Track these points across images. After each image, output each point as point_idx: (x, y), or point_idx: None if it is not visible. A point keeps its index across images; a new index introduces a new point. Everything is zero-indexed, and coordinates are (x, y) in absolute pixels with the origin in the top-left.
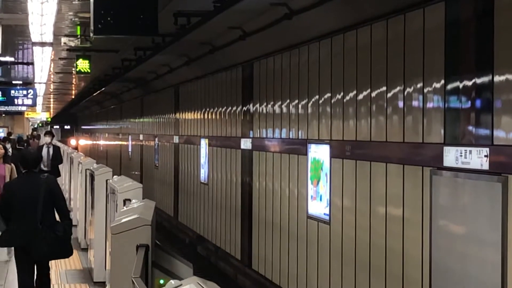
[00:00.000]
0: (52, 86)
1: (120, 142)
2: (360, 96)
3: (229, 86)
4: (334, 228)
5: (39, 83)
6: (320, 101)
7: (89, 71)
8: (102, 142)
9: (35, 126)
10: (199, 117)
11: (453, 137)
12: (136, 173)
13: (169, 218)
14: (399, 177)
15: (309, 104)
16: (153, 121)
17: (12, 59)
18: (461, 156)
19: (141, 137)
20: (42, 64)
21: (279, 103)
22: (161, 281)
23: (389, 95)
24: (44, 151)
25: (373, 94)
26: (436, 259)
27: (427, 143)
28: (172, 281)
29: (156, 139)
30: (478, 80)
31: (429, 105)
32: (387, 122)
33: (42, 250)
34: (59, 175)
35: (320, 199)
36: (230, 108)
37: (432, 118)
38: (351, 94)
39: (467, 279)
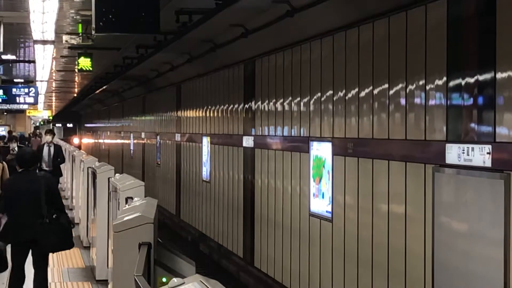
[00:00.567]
0: (53, 84)
1: (122, 141)
2: (362, 94)
3: (231, 83)
4: (336, 226)
5: (41, 81)
6: (322, 99)
7: (90, 69)
8: (104, 141)
9: (37, 124)
10: (201, 115)
11: (456, 134)
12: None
13: (171, 216)
14: (401, 174)
15: (311, 102)
16: (155, 119)
17: (13, 57)
18: (463, 153)
19: (143, 135)
20: (44, 62)
21: (281, 100)
22: (164, 279)
23: (391, 92)
24: (45, 150)
25: (375, 92)
26: (439, 257)
27: (430, 141)
28: (175, 279)
29: (158, 137)
30: (481, 77)
31: (431, 102)
32: (389, 120)
33: (51, 241)
34: (61, 174)
35: (322, 197)
36: (232, 106)
37: (434, 115)
38: (353, 92)
39: (470, 276)
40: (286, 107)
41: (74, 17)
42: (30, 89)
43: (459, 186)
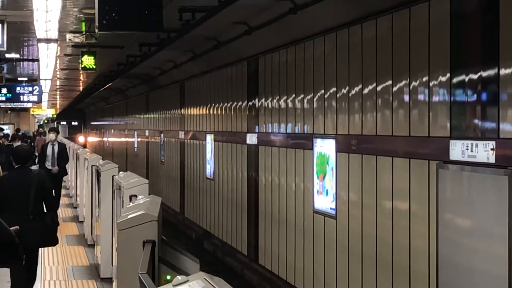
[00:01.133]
0: (57, 83)
1: (125, 139)
2: (366, 90)
3: (235, 81)
4: (340, 223)
5: (45, 79)
6: (326, 96)
7: (94, 67)
8: (108, 139)
9: (41, 122)
10: (204, 112)
11: (459, 131)
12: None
13: (175, 213)
14: (405, 171)
15: (315, 99)
16: (159, 117)
17: (17, 56)
18: (467, 149)
19: (146, 133)
20: (47, 61)
21: (285, 97)
22: (168, 277)
23: (394, 89)
24: (49, 149)
25: (379, 88)
26: (443, 253)
27: (433, 137)
28: (179, 277)
29: (162, 135)
30: (484, 73)
31: (435, 98)
32: (393, 116)
33: (34, 238)
34: (65, 173)
35: (326, 194)
36: (235, 103)
37: (438, 111)
38: (357, 88)
39: (474, 272)
40: (290, 104)
41: (78, 15)
42: (34, 88)
43: (463, 182)
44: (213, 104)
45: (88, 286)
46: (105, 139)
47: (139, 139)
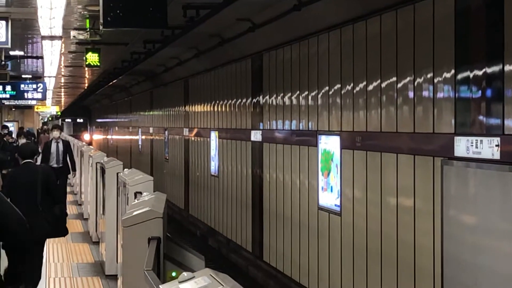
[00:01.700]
0: (62, 80)
1: (130, 136)
2: (370, 87)
3: (239, 78)
4: (345, 219)
5: (49, 77)
6: (330, 92)
7: (98, 64)
8: (113, 136)
9: (45, 120)
10: (209, 109)
11: (464, 127)
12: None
13: (180, 210)
14: (410, 167)
15: (319, 96)
16: (163, 114)
17: (21, 53)
18: (472, 145)
19: (151, 130)
20: (52, 58)
21: (289, 94)
22: (173, 274)
23: (399, 85)
24: (53, 147)
25: (383, 85)
26: (448, 249)
27: (438, 133)
28: (185, 273)
29: (166, 132)
30: (489, 70)
31: (440, 95)
32: (397, 113)
33: (44, 228)
34: (69, 171)
35: (331, 191)
36: (240, 100)
37: (442, 108)
38: (361, 85)
39: (479, 268)
40: (294, 101)
41: (82, 12)
42: (38, 85)
43: (468, 178)
44: (218, 101)
45: (93, 283)
46: (109, 136)
47: (143, 137)
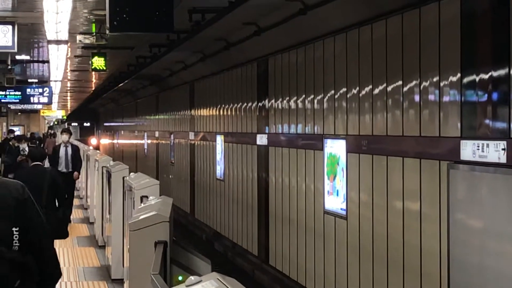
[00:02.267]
0: (68, 84)
1: (136, 140)
2: (376, 91)
3: (244, 82)
4: (351, 223)
5: (55, 81)
6: (336, 96)
7: (104, 68)
8: (118, 141)
9: (51, 124)
10: (214, 113)
11: (470, 131)
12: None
13: (185, 214)
14: (416, 171)
15: (325, 99)
16: (169, 118)
17: (27, 57)
18: (478, 149)
19: (156, 134)
20: (58, 62)
21: (295, 98)
22: (180, 278)
23: (405, 89)
24: (62, 151)
25: (389, 89)
26: (454, 253)
27: (444, 137)
28: (192, 277)
29: (172, 136)
30: (495, 73)
31: (446, 98)
32: (403, 116)
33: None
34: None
35: (337, 194)
36: (245, 104)
37: (448, 111)
38: (367, 89)
39: (485, 272)
40: (300, 105)
41: (88, 16)
42: (44, 89)
43: (474, 182)
44: (223, 105)
45: (99, 287)
46: (115, 140)
47: (149, 141)
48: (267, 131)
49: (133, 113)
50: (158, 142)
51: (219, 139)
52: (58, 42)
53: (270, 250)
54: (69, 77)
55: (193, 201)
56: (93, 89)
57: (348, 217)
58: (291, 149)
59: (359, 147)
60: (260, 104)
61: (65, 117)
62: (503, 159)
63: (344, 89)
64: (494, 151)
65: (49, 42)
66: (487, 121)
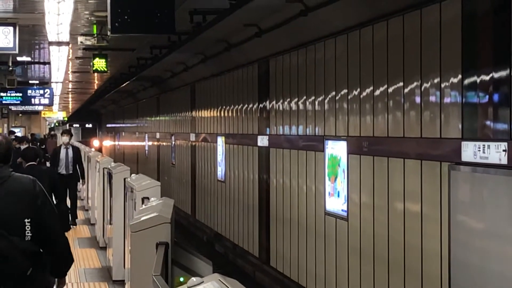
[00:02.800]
0: (69, 85)
1: (137, 142)
2: (377, 92)
3: (245, 83)
4: (352, 224)
5: (56, 82)
6: (337, 97)
7: (105, 69)
8: (120, 142)
9: (52, 125)
10: (215, 115)
11: (471, 132)
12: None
13: (186, 216)
14: (417, 172)
15: (326, 101)
16: (170, 120)
17: (28, 58)
18: (479, 151)
19: (157, 135)
20: (59, 64)
21: (296, 99)
22: (181, 279)
23: (406, 90)
24: (62, 153)
25: (390, 90)
26: (455, 254)
27: (445, 138)
28: (194, 279)
29: (173, 137)
30: (496, 75)
31: (447, 100)
32: (404, 118)
33: None
34: (79, 179)
35: (338, 196)
36: (246, 105)
37: (449, 113)
38: (368, 90)
39: (486, 274)
40: (301, 106)
41: (89, 18)
42: (45, 91)
43: (475, 184)
44: (224, 107)
45: None
46: (116, 142)
47: (150, 142)
48: (268, 133)
49: (134, 115)
50: (159, 143)
51: (220, 140)
52: (59, 43)
53: (271, 251)
54: (70, 79)
55: (194, 203)
56: (95, 90)
57: (349, 218)
58: (292, 150)
59: (360, 148)
60: (261, 105)
61: (66, 119)
62: (504, 161)
63: (345, 90)
64: (495, 153)
65: (50, 43)
66: (488, 122)
